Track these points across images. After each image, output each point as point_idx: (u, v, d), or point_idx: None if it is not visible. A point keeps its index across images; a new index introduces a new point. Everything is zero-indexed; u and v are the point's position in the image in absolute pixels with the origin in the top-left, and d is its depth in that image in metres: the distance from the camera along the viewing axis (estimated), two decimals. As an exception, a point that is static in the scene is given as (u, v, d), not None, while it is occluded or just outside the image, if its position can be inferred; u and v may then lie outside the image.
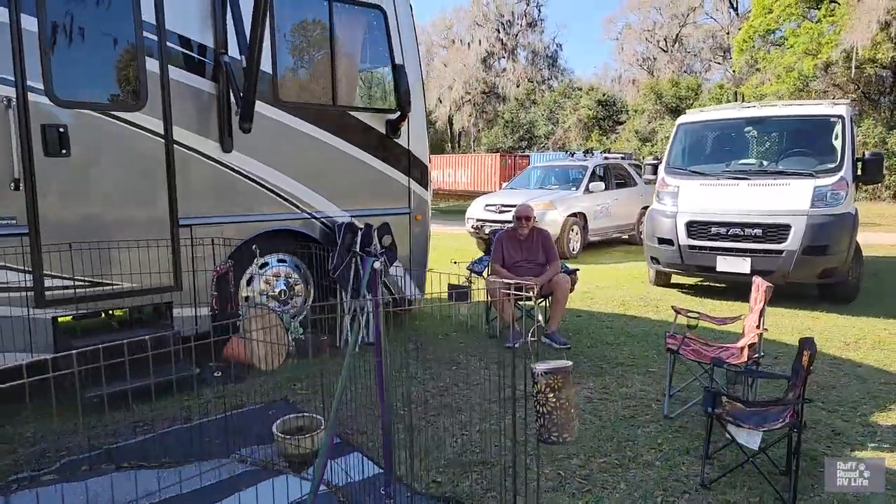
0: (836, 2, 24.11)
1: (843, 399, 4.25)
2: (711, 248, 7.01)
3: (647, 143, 30.61)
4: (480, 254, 6.66)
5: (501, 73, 42.88)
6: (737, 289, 7.46)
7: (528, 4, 42.74)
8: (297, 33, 5.14)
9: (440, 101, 42.56)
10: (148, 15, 4.24)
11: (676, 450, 3.45)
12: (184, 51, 4.44)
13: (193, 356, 3.43)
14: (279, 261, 5.12)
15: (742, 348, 3.86)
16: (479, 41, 42.52)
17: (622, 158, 13.09)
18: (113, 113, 4.17)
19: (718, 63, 41.10)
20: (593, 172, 11.60)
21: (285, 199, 4.99)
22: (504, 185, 14.15)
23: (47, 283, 3.98)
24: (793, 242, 6.61)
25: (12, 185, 3.80)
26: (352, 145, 5.31)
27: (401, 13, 5.50)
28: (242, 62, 4.48)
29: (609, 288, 8.04)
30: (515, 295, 2.87)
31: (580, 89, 38.40)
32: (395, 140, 5.56)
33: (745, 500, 2.96)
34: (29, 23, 3.80)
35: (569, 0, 64.62)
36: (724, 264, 6.91)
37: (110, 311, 4.60)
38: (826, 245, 6.56)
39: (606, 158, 12.70)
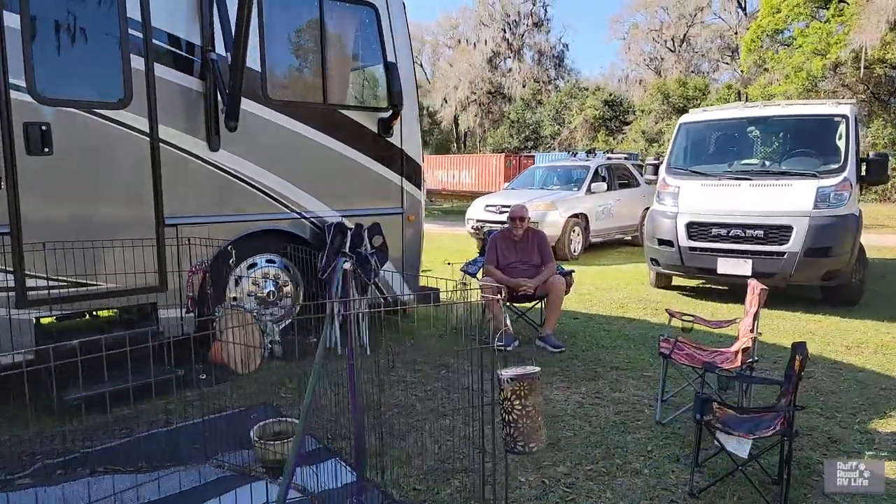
0: (844, 1, 23.87)
1: (842, 405, 4.14)
2: (712, 250, 6.89)
3: (653, 143, 30.44)
4: (476, 254, 6.56)
5: (507, 74, 42.78)
6: (739, 291, 7.30)
7: (534, 4, 42.63)
8: (287, 30, 5.06)
9: (445, 101, 42.51)
10: (133, 11, 4.18)
11: (666, 457, 3.35)
12: (170, 48, 4.37)
13: (172, 358, 3.36)
14: (268, 261, 5.05)
15: (736, 353, 3.75)
16: (485, 41, 42.43)
17: (625, 158, 12.97)
18: (97, 111, 4.10)
19: (726, 63, 40.82)
20: (595, 173, 11.48)
21: (274, 199, 4.92)
22: (505, 185, 14.06)
23: (29, 283, 3.92)
24: (795, 244, 6.48)
25: (-7, 183, 3.75)
26: (343, 144, 5.23)
27: (393, 11, 5.42)
28: (229, 59, 4.41)
29: (608, 290, 7.94)
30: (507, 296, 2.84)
31: (586, 89, 38.26)
32: (388, 139, 5.48)
33: (734, 510, 2.87)
34: (11, 19, 3.74)
35: (575, 0, 64.40)
36: (725, 266, 6.80)
37: (94, 312, 4.54)
38: (829, 247, 6.44)
39: (609, 159, 12.58)
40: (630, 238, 12.15)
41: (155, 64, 4.29)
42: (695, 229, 7.01)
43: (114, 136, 4.17)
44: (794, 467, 3.22)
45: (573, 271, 5.86)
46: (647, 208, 8.43)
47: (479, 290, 3.66)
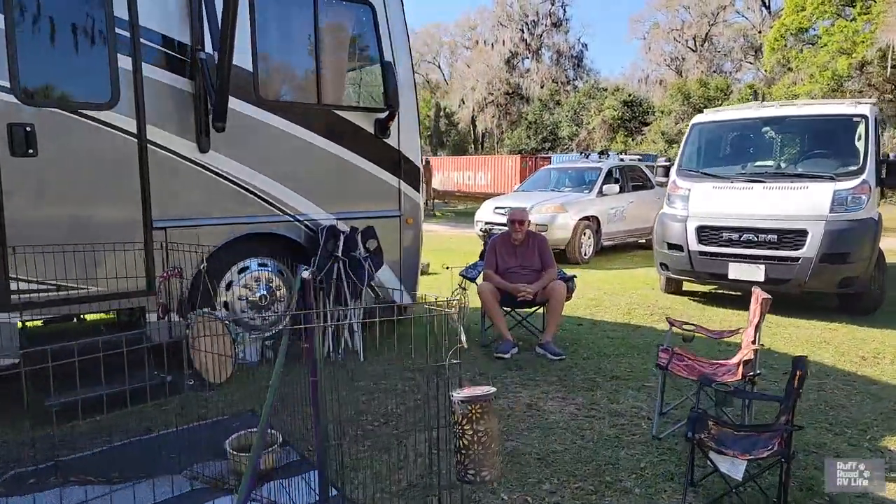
0: (872, -1, 23.30)
1: (853, 419, 3.93)
2: (723, 255, 6.67)
3: (673, 144, 29.97)
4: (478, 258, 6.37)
5: (525, 74, 42.52)
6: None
7: (552, 4, 42.33)
8: (280, 29, 4.97)
9: (463, 102, 42.40)
10: (120, 10, 4.11)
11: (660, 475, 3.18)
12: (158, 47, 4.30)
13: (162, 363, 3.27)
14: (260, 265, 4.96)
15: (737, 365, 3.56)
16: (503, 42, 42.22)
17: (639, 160, 12.71)
18: (83, 111, 4.04)
19: (750, 63, 40.13)
20: (608, 174, 11.26)
21: (266, 202, 4.82)
22: (516, 187, 13.87)
23: (13, 286, 3.86)
24: (810, 249, 6.24)
25: (-24, 185, 3.69)
26: (338, 145, 5.12)
27: (391, 9, 5.30)
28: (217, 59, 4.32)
29: (616, 294, 7.74)
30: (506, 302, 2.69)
31: (605, 90, 37.83)
32: (385, 140, 5.36)
33: (727, 535, 2.69)
34: (-5, 18, 3.69)
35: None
36: (737, 272, 6.57)
37: (82, 316, 4.48)
38: (846, 252, 6.18)
39: (622, 160, 12.34)
40: (644, 241, 11.88)
41: (143, 64, 4.22)
42: (705, 233, 6.80)
43: (100, 138, 4.10)
44: (797, 488, 3.04)
45: (575, 276, 5.69)
46: (662, 211, 8.24)
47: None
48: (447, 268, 5.26)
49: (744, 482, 2.76)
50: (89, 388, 3.40)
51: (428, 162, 22.85)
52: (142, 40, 4.21)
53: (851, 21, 24.44)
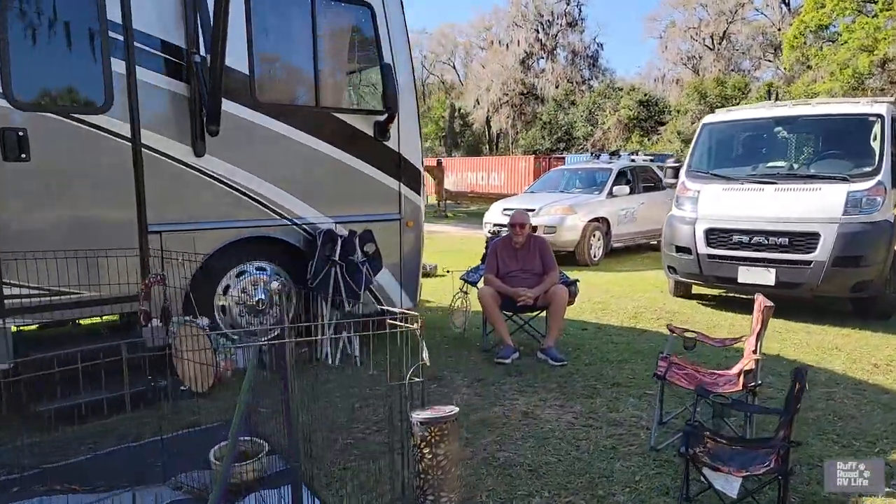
0: (894, -6, 22.83)
1: (862, 431, 3.79)
2: (732, 258, 6.52)
3: (689, 144, 29.60)
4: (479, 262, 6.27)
5: (540, 74, 42.31)
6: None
7: (568, 4, 42.11)
8: (277, 31, 4.92)
9: (478, 103, 42.28)
10: (113, 13, 4.08)
11: (655, 489, 3.08)
12: (152, 51, 4.26)
13: (161, 368, 3.24)
14: (258, 269, 4.92)
15: (738, 374, 3.45)
16: (518, 42, 42.07)
17: (651, 160, 12.54)
18: (76, 116, 4.02)
19: (769, 61, 39.55)
20: (619, 175, 11.11)
21: (264, 205, 4.78)
22: (526, 188, 13.76)
23: (6, 291, 3.85)
24: (822, 252, 6.08)
25: (-32, 191, 3.68)
26: (336, 148, 5.07)
27: (390, 10, 5.23)
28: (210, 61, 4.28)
29: (624, 298, 7.61)
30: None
31: (621, 89, 37.50)
32: (384, 143, 5.30)
33: (721, 555, 2.59)
34: (-13, 23, 3.68)
35: (612, -1, 63.39)
36: (747, 275, 6.42)
37: (77, 321, 4.47)
38: (859, 256, 6.01)
39: (633, 161, 12.18)
40: (655, 243, 11.69)
41: (137, 67, 4.19)
42: (714, 236, 6.65)
43: (94, 142, 4.08)
44: (799, 503, 2.92)
45: (577, 280, 5.58)
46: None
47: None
48: (448, 272, 5.17)
49: (741, 499, 2.66)
50: (85, 394, 3.38)
51: (440, 162, 22.83)
52: (136, 44, 4.18)
53: (873, 17, 23.97)
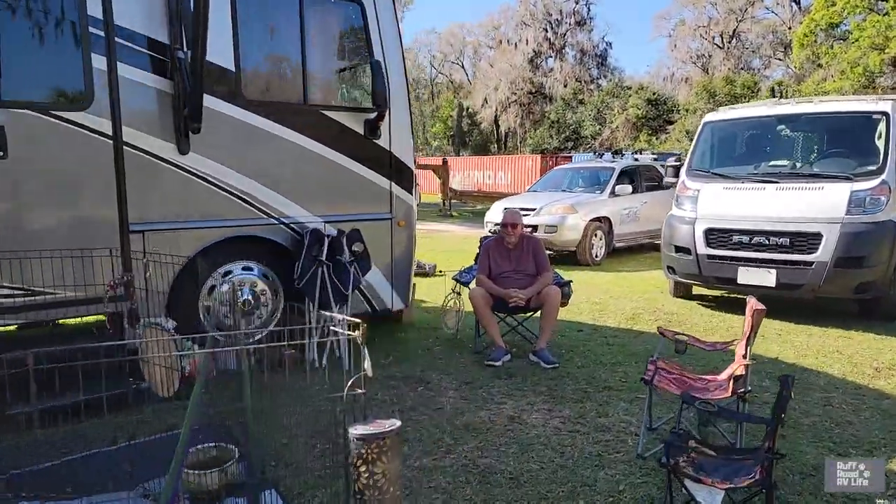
0: (907, -9, 22.51)
1: (859, 439, 3.66)
2: (732, 259, 6.39)
3: (697, 143, 29.31)
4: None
5: (549, 73, 42.12)
6: (766, 303, 6.76)
7: (576, 3, 41.89)
8: (264, 27, 4.85)
9: (486, 102, 42.14)
10: (94, 9, 4.01)
11: (638, 499, 2.97)
12: (134, 47, 4.20)
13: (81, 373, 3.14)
14: (244, 269, 4.84)
15: (728, 379, 3.33)
16: (527, 41, 41.90)
17: (654, 159, 12.38)
18: (55, 112, 3.96)
19: (779, 60, 39.16)
20: (621, 174, 10.98)
21: (250, 204, 4.70)
22: (528, 187, 13.63)
23: (-17, 290, 3.79)
24: (824, 253, 5.94)
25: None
26: (325, 146, 4.98)
27: (381, 6, 5.14)
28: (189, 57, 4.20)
29: (623, 298, 7.48)
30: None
31: (629, 88, 37.25)
32: (375, 141, 5.21)
33: (702, 570, 2.47)
34: (-37, 19, 3.63)
35: (622, -3, 63.04)
36: (747, 276, 6.29)
37: (56, 322, 4.41)
38: (862, 256, 5.87)
39: (636, 159, 12.03)
40: (658, 243, 11.55)
41: (118, 63, 4.12)
42: (714, 236, 6.52)
43: (74, 139, 4.01)
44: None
45: (571, 281, 5.47)
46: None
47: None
48: (441, 273, 5.08)
49: (725, 510, 2.55)
50: (61, 397, 3.31)
51: (445, 161, 22.72)
52: (117, 39, 4.11)
53: (884, 15, 23.63)
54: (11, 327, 4.29)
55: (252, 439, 2.39)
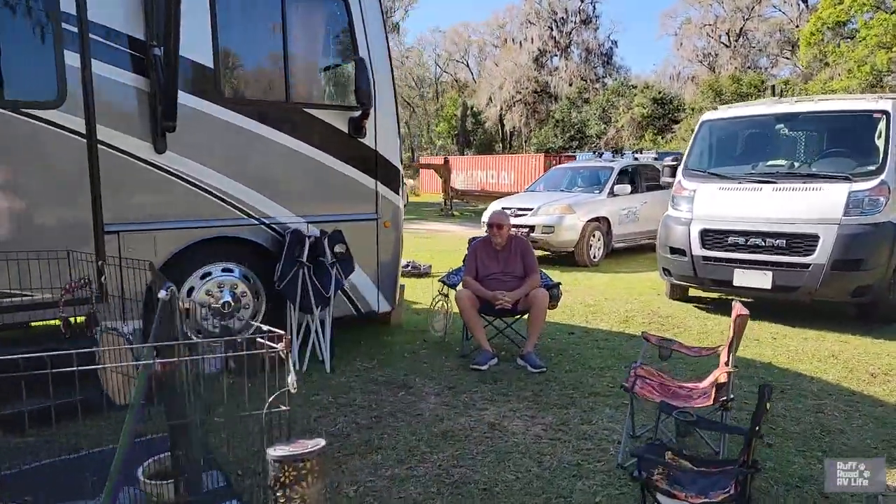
0: (915, -11, 22.24)
1: (851, 447, 3.54)
2: (728, 260, 6.26)
3: (702, 142, 29.03)
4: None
5: (554, 72, 41.95)
6: (763, 305, 6.67)
7: (582, 1, 41.69)
8: (244, 23, 4.75)
9: (491, 101, 42.00)
10: (67, 5, 3.93)
11: (615, 512, 2.86)
12: (109, 43, 4.10)
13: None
14: (224, 270, 4.75)
15: (712, 387, 3.22)
16: (532, 39, 41.74)
17: (654, 159, 12.23)
18: (26, 111, 3.87)
19: (786, 58, 38.85)
20: (620, 174, 10.84)
21: (230, 204, 4.61)
22: (527, 187, 13.50)
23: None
24: (821, 255, 5.80)
25: None
26: (308, 145, 4.89)
27: (366, 2, 5.04)
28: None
29: (617, 300, 7.35)
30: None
31: (635, 87, 37.03)
32: (360, 140, 5.11)
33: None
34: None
35: (628, -4, 62.68)
36: (742, 278, 6.16)
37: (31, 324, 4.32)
38: (860, 259, 5.73)
39: (636, 159, 11.88)
40: (659, 243, 11.44)
41: (92, 60, 4.03)
42: (710, 237, 6.39)
43: (46, 138, 3.93)
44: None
45: (560, 284, 5.36)
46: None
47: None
48: (428, 274, 4.98)
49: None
50: (30, 402, 3.23)
51: (447, 161, 22.61)
52: (91, 36, 4.02)
53: (892, 14, 23.37)
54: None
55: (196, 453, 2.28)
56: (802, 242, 5.89)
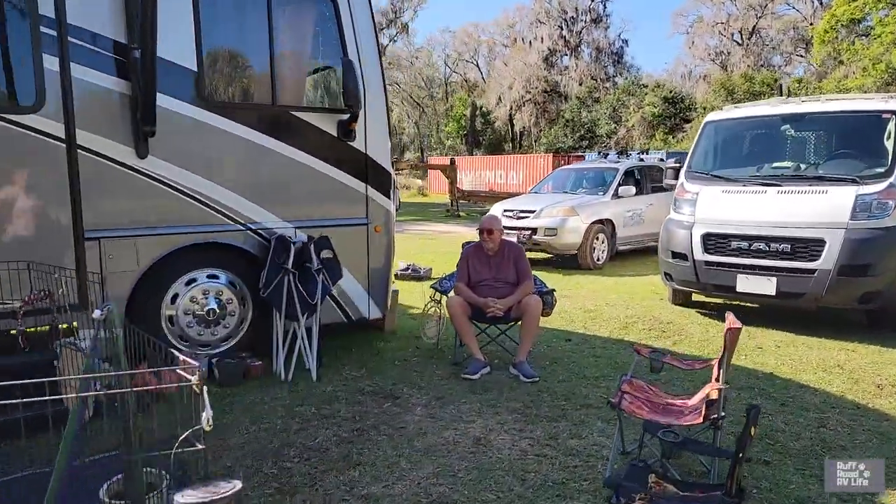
0: (931, -15, 21.83)
1: (852, 466, 3.36)
2: (730, 265, 6.08)
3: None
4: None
5: (564, 71, 41.72)
6: (766, 313, 6.49)
7: (592, 0, 41.40)
8: (229, 25, 4.66)
9: (500, 101, 41.86)
10: (46, 8, 3.84)
11: (597, 535, 2.73)
12: (89, 46, 4.03)
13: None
14: (210, 276, 4.66)
15: (702, 404, 3.06)
16: (542, 39, 41.57)
17: (660, 160, 12.04)
18: (3, 116, 3.80)
19: (800, 56, 38.39)
20: (625, 175, 10.66)
21: (215, 210, 4.52)
22: (530, 188, 13.33)
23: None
24: (827, 260, 5.61)
25: None
26: (295, 149, 4.79)
27: (355, 3, 4.93)
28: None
29: (618, 306, 7.19)
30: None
31: (645, 86, 36.71)
32: (349, 143, 5.00)
33: None
34: None
35: (639, -6, 62.25)
36: (746, 284, 5.98)
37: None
38: (867, 264, 5.53)
39: (642, 160, 11.69)
40: (665, 246, 11.23)
41: (72, 64, 3.93)
42: (712, 241, 6.22)
43: (24, 143, 3.87)
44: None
45: (554, 290, 5.21)
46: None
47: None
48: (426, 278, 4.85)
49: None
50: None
51: (453, 161, 22.49)
52: (70, 39, 3.92)
53: (908, 10, 22.99)
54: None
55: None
56: (808, 247, 5.71)
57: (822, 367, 5.01)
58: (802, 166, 6.50)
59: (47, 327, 3.16)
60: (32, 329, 3.25)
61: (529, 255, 10.08)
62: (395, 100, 44.74)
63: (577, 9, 42.21)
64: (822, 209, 5.75)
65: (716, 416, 2.93)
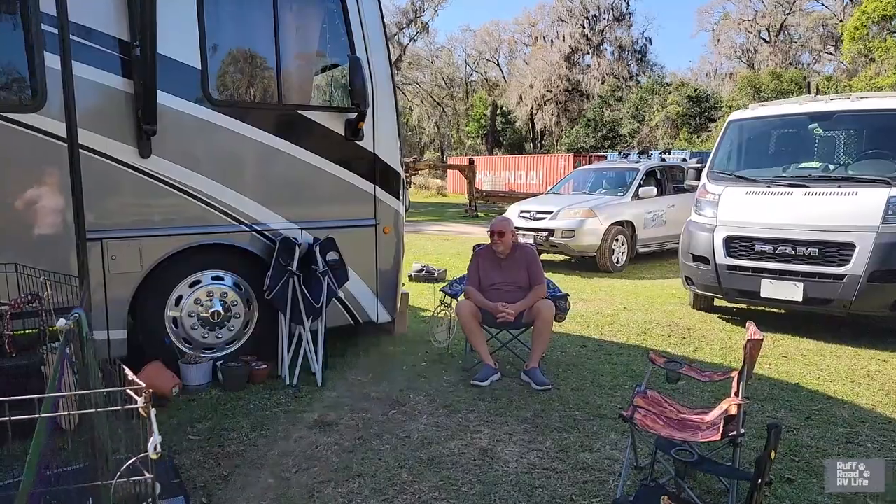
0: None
1: (882, 487, 3.15)
2: (755, 270, 5.84)
3: (740, 141, 28.14)
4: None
5: (586, 70, 41.31)
6: (793, 319, 6.24)
7: (615, -2, 40.95)
8: (234, 22, 4.57)
9: (521, 100, 41.57)
10: (47, 5, 3.78)
11: (605, 559, 2.56)
12: (91, 44, 3.96)
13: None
14: (214, 278, 4.57)
15: (721, 419, 2.88)
16: (563, 37, 41.20)
17: (683, 160, 11.75)
18: (4, 115, 3.75)
19: (830, 54, 37.54)
20: (647, 175, 10.41)
21: (219, 210, 4.43)
22: (549, 188, 13.11)
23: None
24: (857, 265, 5.35)
25: None
26: (302, 149, 4.68)
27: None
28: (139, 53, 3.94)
29: (637, 310, 6.98)
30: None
31: (669, 85, 36.16)
32: (357, 143, 4.88)
33: None
34: None
35: (663, -8, 61.45)
36: (770, 290, 5.74)
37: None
38: (900, 270, 5.27)
39: (664, 160, 11.42)
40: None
41: (74, 62, 3.87)
42: (735, 245, 5.98)
43: (25, 143, 3.81)
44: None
45: (568, 295, 5.04)
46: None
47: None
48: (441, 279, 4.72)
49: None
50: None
51: (472, 161, 22.33)
52: (72, 37, 3.85)
53: (942, 6, 22.31)
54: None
55: None
56: (836, 251, 5.46)
57: (851, 377, 4.77)
58: (831, 167, 6.24)
59: (36, 331, 3.06)
60: (20, 332, 3.16)
61: (546, 257, 9.91)
62: (415, 99, 44.68)
63: (599, 7, 41.76)
64: (851, 211, 5.50)
65: (735, 433, 2.74)
